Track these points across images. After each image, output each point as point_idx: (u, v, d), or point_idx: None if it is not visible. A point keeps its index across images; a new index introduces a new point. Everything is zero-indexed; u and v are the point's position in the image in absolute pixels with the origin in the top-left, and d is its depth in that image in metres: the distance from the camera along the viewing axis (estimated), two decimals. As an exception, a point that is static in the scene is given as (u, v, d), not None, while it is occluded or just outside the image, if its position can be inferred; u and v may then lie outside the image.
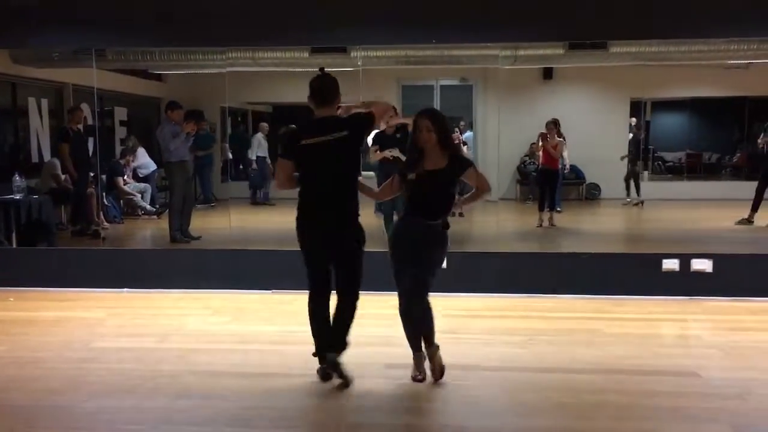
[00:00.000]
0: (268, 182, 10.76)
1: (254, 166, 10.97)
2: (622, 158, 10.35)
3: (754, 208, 8.11)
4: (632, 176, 10.41)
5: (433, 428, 3.35)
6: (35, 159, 8.64)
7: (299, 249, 3.89)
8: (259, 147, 11.02)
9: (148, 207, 9.47)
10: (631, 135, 10.56)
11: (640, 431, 3.29)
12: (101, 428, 3.40)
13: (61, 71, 8.22)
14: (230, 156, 10.45)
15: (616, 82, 9.96)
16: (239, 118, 11.90)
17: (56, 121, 8.76)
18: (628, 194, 10.48)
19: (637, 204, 10.40)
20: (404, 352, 4.37)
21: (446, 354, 4.41)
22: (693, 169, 12.04)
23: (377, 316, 5.12)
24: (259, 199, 10.95)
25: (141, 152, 9.73)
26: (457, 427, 3.37)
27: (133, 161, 9.56)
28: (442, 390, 3.82)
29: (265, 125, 11.20)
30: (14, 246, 6.85)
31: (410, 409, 3.63)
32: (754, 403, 3.63)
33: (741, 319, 5.28)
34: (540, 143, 8.91)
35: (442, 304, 5.62)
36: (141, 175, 9.70)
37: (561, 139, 8.81)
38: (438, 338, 4.76)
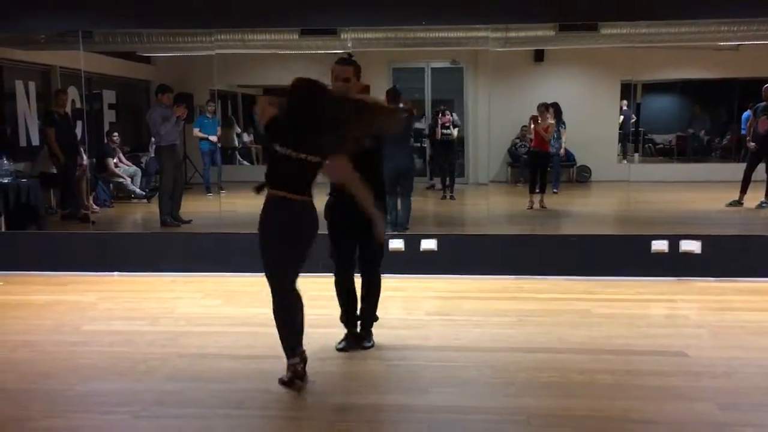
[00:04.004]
0: None
1: None
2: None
3: (743, 190, 8.17)
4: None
5: (424, 408, 3.37)
6: (23, 143, 8.56)
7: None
8: None
9: (138, 191, 9.42)
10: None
11: (627, 410, 3.32)
12: (94, 411, 3.41)
13: (49, 54, 8.13)
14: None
15: (607, 65, 9.92)
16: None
17: (44, 104, 8.67)
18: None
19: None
20: (394, 333, 4.41)
21: (437, 336, 4.47)
22: (683, 152, 12.07)
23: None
24: None
25: None
26: (448, 407, 3.40)
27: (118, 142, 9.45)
28: (432, 371, 3.85)
29: None
30: (3, 230, 6.82)
31: (400, 390, 3.65)
32: (739, 381, 3.68)
33: (728, 299, 5.33)
34: (531, 126, 8.91)
35: (433, 286, 5.69)
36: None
37: (552, 122, 8.80)
38: (429, 320, 4.84)
